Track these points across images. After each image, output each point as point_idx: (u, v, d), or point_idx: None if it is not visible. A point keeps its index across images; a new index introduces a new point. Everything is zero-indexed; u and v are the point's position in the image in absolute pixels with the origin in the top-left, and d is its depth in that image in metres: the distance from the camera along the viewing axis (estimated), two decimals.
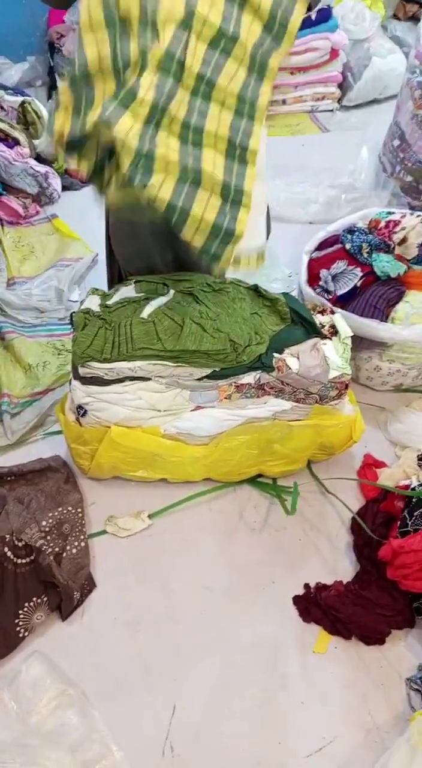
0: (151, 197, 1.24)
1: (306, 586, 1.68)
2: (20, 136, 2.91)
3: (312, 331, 1.73)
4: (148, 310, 1.67)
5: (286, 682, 1.53)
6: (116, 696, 1.49)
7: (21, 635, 1.54)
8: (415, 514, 1.62)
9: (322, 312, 1.85)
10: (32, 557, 1.63)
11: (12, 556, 1.61)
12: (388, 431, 2.05)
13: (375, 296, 2.04)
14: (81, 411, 1.71)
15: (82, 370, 1.61)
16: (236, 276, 1.82)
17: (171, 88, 1.21)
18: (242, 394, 1.70)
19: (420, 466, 1.86)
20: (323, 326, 1.77)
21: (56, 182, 2.95)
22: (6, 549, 1.62)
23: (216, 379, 1.65)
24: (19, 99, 3.06)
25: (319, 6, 3.39)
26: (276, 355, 1.66)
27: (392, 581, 1.59)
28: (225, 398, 1.70)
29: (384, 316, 2.01)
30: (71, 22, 3.56)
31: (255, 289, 1.82)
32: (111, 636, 1.59)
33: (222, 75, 1.26)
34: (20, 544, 1.64)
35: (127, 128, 1.18)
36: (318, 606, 1.62)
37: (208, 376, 1.64)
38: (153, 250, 1.77)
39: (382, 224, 2.17)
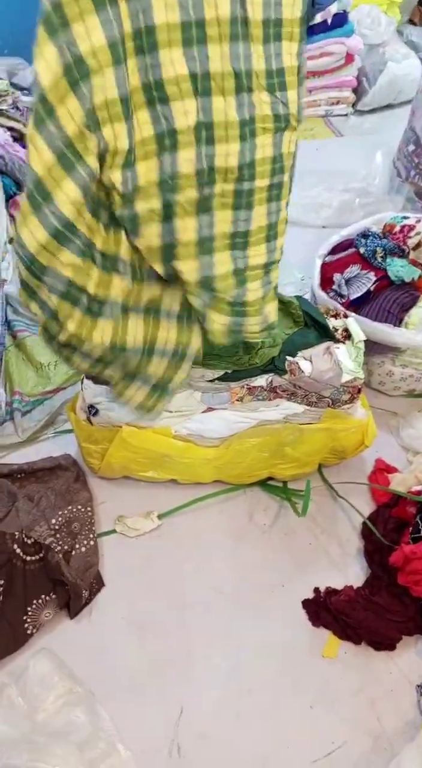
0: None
1: (316, 590, 1.67)
2: None
3: (325, 334, 1.73)
4: None
5: (295, 686, 1.52)
6: (123, 695, 1.49)
7: (29, 632, 1.54)
8: None
9: (335, 316, 1.84)
10: (41, 555, 1.63)
11: (21, 554, 1.61)
12: (400, 436, 2.04)
13: (389, 301, 2.03)
14: (92, 410, 1.71)
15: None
16: None
17: None
18: (254, 396, 1.69)
19: None
20: (336, 330, 1.77)
21: None
22: (15, 546, 1.62)
23: (229, 380, 1.65)
24: None
25: (335, 11, 3.39)
26: (288, 358, 1.65)
27: (403, 587, 1.58)
28: (237, 400, 1.70)
29: (397, 320, 2.01)
30: None
31: None
32: (119, 635, 1.59)
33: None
34: (29, 542, 1.64)
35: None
36: (328, 611, 1.61)
37: (220, 378, 1.64)
38: None
39: (397, 228, 2.16)
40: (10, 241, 2.62)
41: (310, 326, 1.75)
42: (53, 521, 1.74)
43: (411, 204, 2.79)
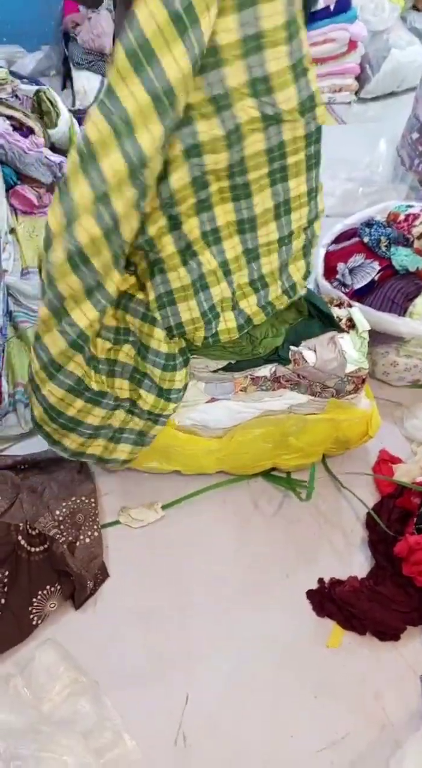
0: None
1: (321, 580, 1.67)
2: (35, 126, 2.89)
3: (330, 324, 1.71)
4: None
5: (299, 676, 1.52)
6: (128, 685, 1.49)
7: (34, 623, 1.54)
8: None
9: (340, 305, 1.83)
10: (46, 546, 1.63)
11: (26, 545, 1.61)
12: (404, 427, 2.04)
13: (393, 290, 2.02)
14: None
15: None
16: None
17: None
18: (258, 386, 1.68)
19: None
20: (340, 319, 1.76)
21: None
22: (20, 537, 1.61)
23: (232, 371, 1.64)
24: (34, 88, 3.03)
25: None
26: (292, 347, 1.64)
27: (407, 577, 1.57)
28: (241, 390, 1.69)
29: (402, 310, 1.99)
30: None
31: None
32: (124, 625, 1.59)
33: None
34: (34, 533, 1.63)
35: None
36: (332, 601, 1.61)
37: (223, 368, 1.63)
38: None
39: (401, 217, 2.14)
40: (11, 231, 2.60)
41: (314, 316, 1.74)
42: (57, 512, 1.74)
43: (415, 192, 2.77)
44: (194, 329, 1.48)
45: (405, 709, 1.47)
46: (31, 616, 1.54)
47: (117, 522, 1.78)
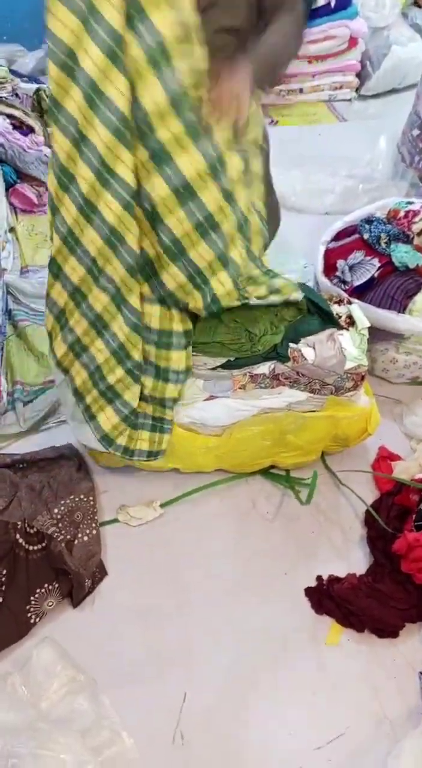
0: None
1: (319, 578, 1.67)
2: (35, 124, 2.90)
3: (329, 321, 1.71)
4: None
5: (298, 673, 1.52)
6: (126, 683, 1.49)
7: (32, 621, 1.54)
8: None
9: (339, 302, 1.82)
10: (44, 544, 1.63)
11: (24, 543, 1.62)
12: (404, 424, 2.03)
13: (393, 287, 2.01)
14: None
15: None
16: None
17: None
18: (256, 384, 1.68)
19: None
20: (340, 316, 1.75)
21: None
22: (18, 536, 1.62)
23: (231, 368, 1.64)
24: (34, 86, 3.04)
25: None
26: (291, 345, 1.64)
27: (406, 574, 1.57)
28: (240, 388, 1.69)
29: (401, 307, 1.99)
30: None
31: None
32: (121, 623, 1.59)
33: None
34: (32, 531, 1.64)
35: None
36: (330, 598, 1.61)
37: (222, 366, 1.63)
38: None
39: (401, 214, 2.14)
40: (10, 230, 2.60)
41: (313, 313, 1.73)
42: (55, 511, 1.74)
43: (415, 189, 2.76)
44: (186, 294, 1.44)
45: (404, 705, 1.47)
46: (29, 615, 1.54)
47: (115, 520, 1.78)
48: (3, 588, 1.55)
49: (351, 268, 2.09)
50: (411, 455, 1.93)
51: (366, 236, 2.10)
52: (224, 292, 1.46)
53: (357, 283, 2.05)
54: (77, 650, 1.51)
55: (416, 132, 2.71)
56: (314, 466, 1.87)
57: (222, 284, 1.45)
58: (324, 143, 3.29)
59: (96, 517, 1.75)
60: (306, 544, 1.75)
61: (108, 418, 1.61)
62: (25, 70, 3.54)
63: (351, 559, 1.72)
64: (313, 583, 1.66)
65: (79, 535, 1.70)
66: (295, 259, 2.56)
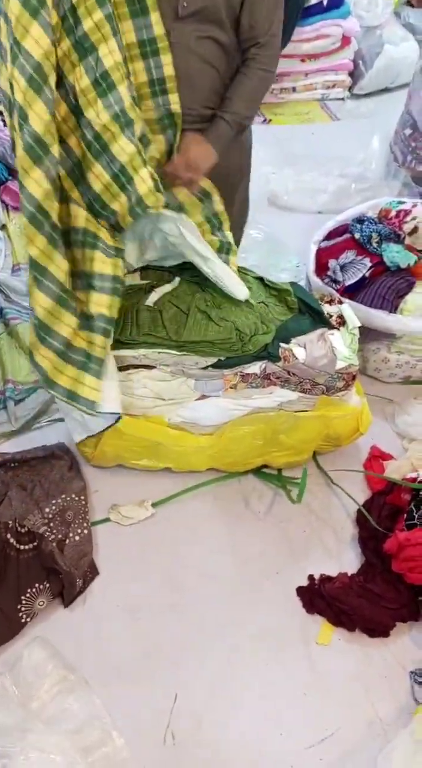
0: None
1: (311, 577, 1.67)
2: None
3: (320, 321, 1.71)
4: (153, 298, 1.66)
5: (289, 673, 1.52)
6: (117, 683, 1.49)
7: (23, 621, 1.54)
8: None
9: (330, 302, 1.82)
10: (35, 543, 1.62)
11: (14, 543, 1.61)
12: (395, 423, 2.04)
13: (385, 287, 2.01)
14: None
15: None
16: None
17: None
18: (248, 383, 1.68)
19: None
20: (331, 316, 1.75)
21: None
22: (8, 535, 1.61)
23: (222, 368, 1.64)
24: None
25: None
26: (282, 344, 1.64)
27: (397, 574, 1.58)
28: (231, 388, 1.69)
29: (393, 307, 1.99)
30: None
31: (261, 281, 1.80)
32: (113, 623, 1.59)
33: None
34: (23, 531, 1.63)
35: None
36: (322, 597, 1.61)
37: (213, 365, 1.63)
38: None
39: (393, 214, 2.14)
40: (2, 227, 2.59)
41: (304, 313, 1.73)
42: (47, 510, 1.73)
43: (408, 189, 2.77)
44: (112, 197, 1.46)
45: (394, 705, 1.47)
46: (20, 614, 1.54)
47: (107, 519, 1.78)
48: None
49: (343, 267, 2.09)
50: (402, 454, 1.93)
51: (357, 236, 2.11)
52: (147, 189, 1.46)
53: (348, 282, 2.05)
54: (68, 650, 1.51)
55: (408, 131, 2.71)
56: (306, 466, 1.87)
57: (143, 181, 1.45)
58: (317, 142, 3.29)
59: (87, 517, 1.75)
60: (298, 543, 1.76)
61: (44, 356, 1.52)
62: None
63: (343, 558, 1.72)
64: (305, 583, 1.67)
65: (71, 535, 1.70)
66: (287, 258, 2.57)
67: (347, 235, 2.17)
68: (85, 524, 1.72)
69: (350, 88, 3.70)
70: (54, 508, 1.74)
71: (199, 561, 1.71)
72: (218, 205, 1.65)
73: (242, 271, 1.81)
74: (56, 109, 1.35)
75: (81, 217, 1.48)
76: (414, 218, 2.10)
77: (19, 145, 1.31)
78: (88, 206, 1.49)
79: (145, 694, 1.48)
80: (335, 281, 2.09)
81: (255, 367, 1.65)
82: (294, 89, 3.62)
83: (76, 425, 1.70)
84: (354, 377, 1.73)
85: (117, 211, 1.49)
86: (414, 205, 2.15)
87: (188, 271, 1.72)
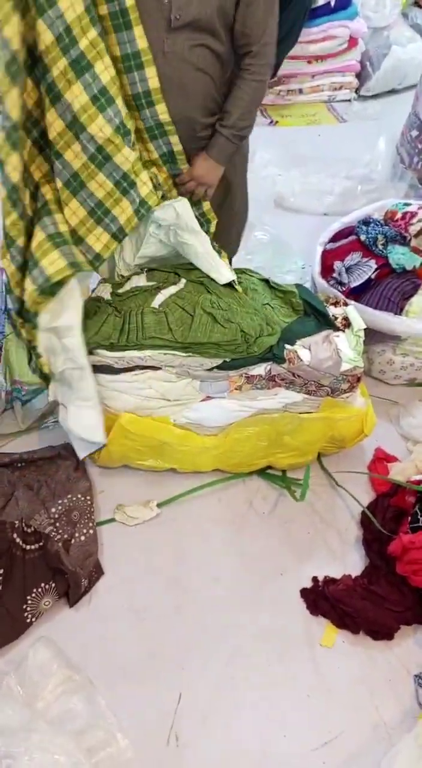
0: None
1: (315, 579, 1.67)
2: None
3: (325, 322, 1.71)
4: (159, 299, 1.66)
5: (293, 675, 1.52)
6: (122, 683, 1.49)
7: (28, 621, 1.55)
8: None
9: (335, 304, 1.82)
10: (41, 543, 1.63)
11: (21, 542, 1.62)
12: (400, 425, 2.03)
13: (390, 289, 2.01)
14: None
15: (91, 359, 1.61)
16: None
17: None
18: (253, 385, 1.68)
19: None
20: (336, 318, 1.75)
21: None
22: (15, 535, 1.62)
23: (227, 369, 1.64)
24: None
25: None
26: (287, 346, 1.64)
27: (401, 576, 1.57)
28: (236, 389, 1.69)
29: (398, 309, 1.99)
30: None
31: (267, 283, 1.81)
32: (118, 623, 1.59)
33: None
34: (29, 531, 1.64)
35: None
36: (326, 599, 1.61)
37: (218, 367, 1.63)
38: None
39: (399, 215, 2.14)
40: None
41: (310, 314, 1.73)
42: (53, 510, 1.74)
43: (414, 191, 2.76)
44: (114, 203, 1.53)
45: (398, 708, 1.47)
46: (26, 614, 1.55)
47: (112, 520, 1.79)
48: (0, 587, 1.56)
49: (348, 269, 2.09)
50: (407, 457, 1.93)
51: (363, 238, 2.11)
52: (148, 191, 1.56)
53: (354, 284, 2.05)
54: (73, 650, 1.52)
55: (415, 133, 2.71)
56: (310, 467, 1.87)
57: (144, 183, 1.55)
58: (324, 144, 3.29)
59: (93, 517, 1.75)
60: (302, 544, 1.76)
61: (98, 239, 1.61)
62: None
63: (347, 560, 1.72)
64: (309, 584, 1.67)
65: (76, 535, 1.70)
66: (293, 260, 2.57)
67: (353, 237, 2.17)
68: (90, 524, 1.73)
69: (357, 90, 3.70)
70: (60, 508, 1.75)
71: (204, 561, 1.72)
72: (206, 206, 1.74)
73: (247, 273, 1.82)
74: (52, 125, 1.41)
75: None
76: (420, 220, 2.09)
77: None
78: (90, 213, 1.55)
79: (149, 694, 1.48)
80: (340, 283, 2.09)
81: (260, 369, 1.65)
82: (300, 91, 3.62)
83: (79, 443, 1.73)
84: (358, 379, 1.73)
85: (117, 216, 1.56)
86: (421, 207, 2.15)
87: (194, 272, 1.73)
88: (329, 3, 3.35)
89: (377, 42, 3.59)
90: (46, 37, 1.29)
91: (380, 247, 2.06)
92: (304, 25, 3.30)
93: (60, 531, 1.70)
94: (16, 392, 2.04)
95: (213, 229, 1.79)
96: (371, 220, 2.16)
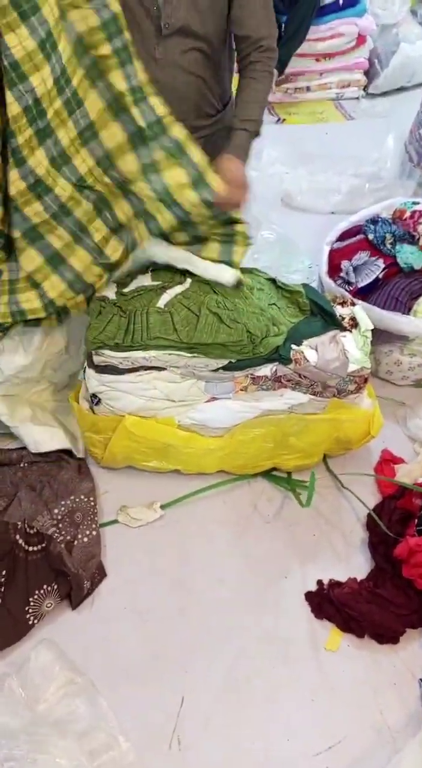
0: None
1: (319, 582, 1.65)
2: None
3: (332, 323, 1.69)
4: (164, 299, 1.65)
5: (297, 678, 1.51)
6: (124, 686, 1.48)
7: (31, 622, 1.54)
8: None
9: (343, 304, 1.81)
10: (43, 545, 1.62)
11: (23, 544, 1.61)
12: (407, 427, 2.01)
13: (398, 288, 1.99)
14: (95, 399, 1.70)
15: (96, 359, 1.60)
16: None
17: None
18: (258, 386, 1.67)
19: None
20: (343, 318, 1.74)
21: None
22: (17, 536, 1.61)
23: (233, 370, 1.62)
24: None
25: None
26: (294, 347, 1.63)
27: (407, 580, 1.55)
28: (241, 390, 1.67)
29: (406, 309, 1.97)
30: None
31: (274, 282, 1.79)
32: (120, 626, 1.58)
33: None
34: (32, 532, 1.63)
35: None
36: (331, 603, 1.59)
37: (224, 368, 1.62)
38: None
39: (407, 214, 2.12)
40: None
41: (317, 314, 1.72)
42: (56, 511, 1.73)
43: None
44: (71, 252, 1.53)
45: (403, 712, 1.45)
46: (28, 616, 1.54)
47: (115, 521, 1.78)
48: (2, 589, 1.55)
49: (356, 268, 2.07)
50: (414, 458, 1.91)
51: (371, 237, 2.09)
52: (100, 237, 1.57)
53: (361, 284, 2.03)
54: (75, 652, 1.51)
55: None
56: (316, 469, 1.85)
57: (98, 230, 1.55)
58: (331, 142, 3.27)
59: (96, 518, 1.74)
60: (307, 547, 1.74)
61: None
62: None
63: (352, 563, 1.70)
64: (314, 587, 1.65)
65: (79, 536, 1.70)
66: (300, 259, 2.55)
67: (360, 236, 2.15)
68: (93, 526, 1.72)
69: (365, 87, 3.67)
70: (63, 509, 1.74)
71: (208, 563, 1.70)
72: (240, 227, 1.64)
73: (254, 273, 1.80)
74: (13, 183, 1.38)
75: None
76: None
77: None
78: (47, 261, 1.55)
79: (152, 697, 1.47)
80: (348, 282, 2.07)
81: (266, 370, 1.64)
82: (308, 88, 3.60)
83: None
84: (366, 380, 1.71)
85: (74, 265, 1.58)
86: None
87: None
88: (337, 0, 3.33)
89: (385, 39, 3.57)
90: (13, 108, 1.25)
91: (388, 246, 2.04)
92: (312, 22, 3.28)
93: (63, 532, 1.69)
94: None
95: (240, 257, 1.68)
96: (379, 219, 2.14)
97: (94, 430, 1.76)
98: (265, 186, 2.83)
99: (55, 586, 1.58)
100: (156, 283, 1.70)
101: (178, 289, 1.68)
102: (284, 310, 1.72)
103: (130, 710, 1.43)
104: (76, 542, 1.67)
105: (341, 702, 1.47)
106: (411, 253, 2.02)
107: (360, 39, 3.47)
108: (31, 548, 1.61)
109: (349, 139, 3.28)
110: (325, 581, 1.65)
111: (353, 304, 1.81)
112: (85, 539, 1.69)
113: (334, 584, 1.63)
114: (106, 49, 1.30)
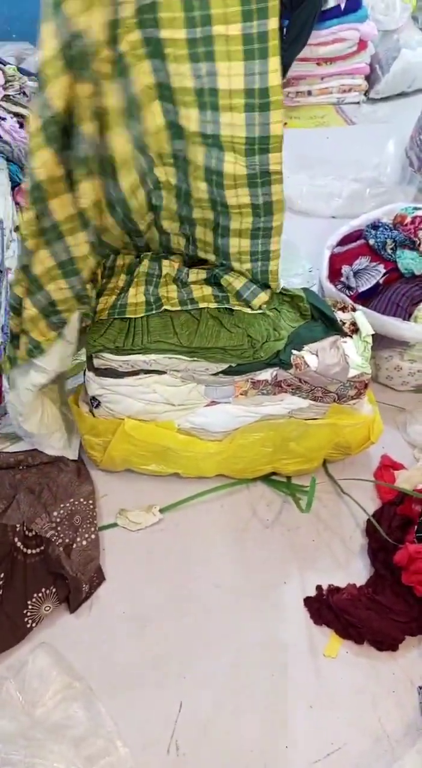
0: None
1: (319, 587, 1.65)
2: None
3: (333, 328, 1.69)
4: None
5: (295, 685, 1.50)
6: (122, 691, 1.48)
7: (29, 626, 1.53)
8: None
9: (343, 309, 1.80)
10: (42, 548, 1.62)
11: (22, 546, 1.61)
12: (407, 432, 2.01)
13: (398, 294, 1.99)
14: (94, 402, 1.69)
15: (96, 362, 1.59)
16: None
17: None
18: (258, 390, 1.66)
19: None
20: (344, 323, 1.73)
21: None
22: (16, 539, 1.61)
23: (233, 374, 1.62)
24: None
25: None
26: (294, 351, 1.62)
27: (407, 587, 1.55)
28: (241, 394, 1.67)
29: (406, 314, 1.97)
30: None
31: None
32: (119, 630, 1.58)
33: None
34: (30, 535, 1.63)
35: None
36: (330, 609, 1.59)
37: (224, 372, 1.61)
38: None
39: (408, 220, 2.12)
40: (16, 229, 2.59)
41: (317, 319, 1.71)
42: (55, 514, 1.72)
43: None
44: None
45: (402, 720, 1.45)
46: (26, 619, 1.53)
47: (114, 524, 1.77)
48: (0, 592, 1.54)
49: (356, 273, 2.07)
50: (414, 464, 1.91)
51: (371, 242, 2.08)
52: (202, 296, 1.62)
53: (362, 289, 2.03)
54: (73, 656, 1.50)
55: None
56: (316, 474, 1.85)
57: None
58: (332, 146, 3.27)
59: (95, 521, 1.74)
60: (306, 553, 1.74)
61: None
62: (33, 69, 3.53)
63: (352, 569, 1.70)
64: (313, 593, 1.65)
65: (78, 539, 1.69)
66: (300, 263, 2.55)
67: (361, 241, 2.15)
68: (92, 529, 1.72)
69: (366, 92, 3.68)
70: (62, 512, 1.73)
71: (206, 568, 1.70)
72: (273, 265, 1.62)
73: None
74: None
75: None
76: None
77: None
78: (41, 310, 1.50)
79: (149, 702, 1.47)
80: (348, 287, 2.07)
81: (266, 374, 1.64)
82: (309, 93, 3.61)
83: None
84: (366, 386, 1.71)
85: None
86: None
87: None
88: (339, 5, 3.33)
89: (387, 45, 3.57)
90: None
91: (389, 251, 2.04)
92: (314, 27, 3.28)
93: (61, 535, 1.68)
94: None
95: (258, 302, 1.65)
96: (380, 224, 2.14)
97: (94, 433, 1.75)
98: None
99: (54, 590, 1.58)
100: None
101: None
102: (284, 315, 1.71)
103: (128, 715, 1.43)
104: (74, 545, 1.67)
105: (339, 709, 1.47)
106: (412, 258, 2.02)
107: (362, 44, 3.48)
108: (29, 551, 1.61)
109: (350, 144, 3.28)
110: (324, 587, 1.65)
111: (354, 309, 1.80)
112: (84, 542, 1.68)
113: (333, 590, 1.63)
114: None
